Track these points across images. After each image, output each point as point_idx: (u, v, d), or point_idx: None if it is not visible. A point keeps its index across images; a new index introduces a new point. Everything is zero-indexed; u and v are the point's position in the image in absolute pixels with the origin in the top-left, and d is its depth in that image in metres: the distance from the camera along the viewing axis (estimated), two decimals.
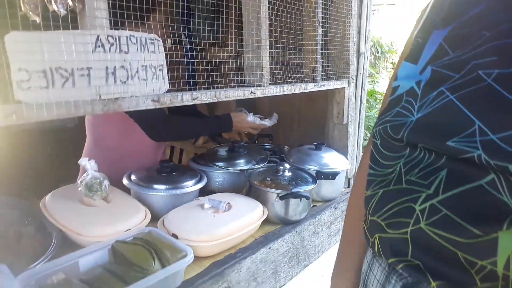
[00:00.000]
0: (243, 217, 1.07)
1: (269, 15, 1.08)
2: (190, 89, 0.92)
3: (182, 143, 2.18)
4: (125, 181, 1.22)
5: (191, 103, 0.89)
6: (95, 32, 0.70)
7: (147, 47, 0.80)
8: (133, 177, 1.23)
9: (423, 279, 0.50)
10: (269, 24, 1.08)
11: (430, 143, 0.50)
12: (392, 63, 5.54)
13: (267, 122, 1.49)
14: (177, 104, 0.86)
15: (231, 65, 1.28)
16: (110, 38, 0.73)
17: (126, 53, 0.76)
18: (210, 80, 0.98)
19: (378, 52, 5.23)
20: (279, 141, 1.87)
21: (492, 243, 0.44)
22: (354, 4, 1.45)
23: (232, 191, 1.37)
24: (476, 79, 0.47)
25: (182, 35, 1.69)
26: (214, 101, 0.95)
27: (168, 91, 0.86)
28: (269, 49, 1.11)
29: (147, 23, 1.22)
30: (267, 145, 1.80)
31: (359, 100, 1.60)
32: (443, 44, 0.54)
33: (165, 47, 0.86)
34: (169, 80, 0.86)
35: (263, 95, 1.09)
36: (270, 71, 1.13)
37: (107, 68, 0.72)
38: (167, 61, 0.88)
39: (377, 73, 5.05)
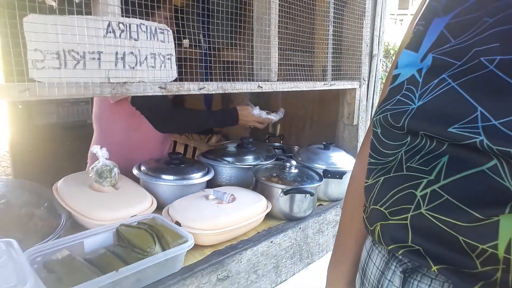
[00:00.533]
0: (246, 209, 1.08)
1: (280, 12, 1.10)
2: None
3: (195, 141, 2.22)
4: (135, 171, 1.25)
5: (198, 93, 0.92)
6: (107, 18, 0.74)
7: (157, 36, 0.84)
8: (142, 167, 1.26)
9: (424, 264, 0.50)
10: (280, 21, 1.10)
11: (431, 130, 0.49)
12: None
13: (273, 116, 1.50)
14: (184, 93, 0.89)
15: (246, 65, 1.31)
16: (121, 25, 0.76)
17: (136, 40, 0.79)
18: (224, 77, 1.00)
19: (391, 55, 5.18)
20: (291, 142, 1.88)
21: (493, 227, 0.44)
22: (368, 5, 1.46)
23: (239, 186, 1.38)
24: (478, 66, 0.47)
25: (201, 35, 1.74)
26: (221, 92, 0.98)
27: (175, 80, 0.89)
28: (279, 47, 1.13)
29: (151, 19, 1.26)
30: (277, 144, 1.81)
31: (370, 101, 1.60)
32: (444, 31, 0.54)
33: (181, 49, 0.88)
34: (177, 69, 0.90)
35: (270, 90, 1.11)
36: (279, 69, 1.14)
37: (117, 53, 0.76)
38: (184, 62, 0.91)
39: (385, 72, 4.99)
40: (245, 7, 1.34)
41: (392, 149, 0.56)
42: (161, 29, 0.85)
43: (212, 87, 0.95)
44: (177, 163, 1.27)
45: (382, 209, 0.57)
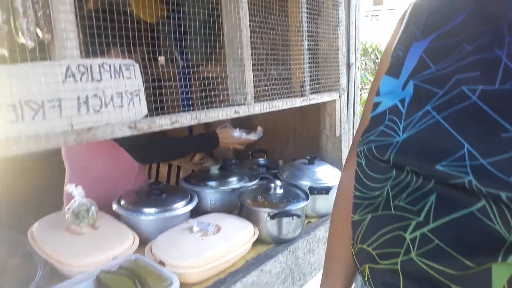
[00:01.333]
0: (232, 239, 1.04)
1: (252, 33, 1.07)
2: (185, 109, 0.91)
3: (179, 161, 2.17)
4: (114, 206, 1.20)
5: (171, 127, 0.88)
6: (65, 62, 0.70)
7: (122, 73, 0.79)
8: (122, 201, 1.21)
9: None
10: (252, 41, 1.07)
11: (418, 166, 0.48)
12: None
13: (253, 136, 1.48)
14: (156, 129, 0.85)
15: (225, 79, 1.28)
16: (81, 68, 0.72)
17: (99, 81, 0.74)
18: (205, 94, 0.96)
19: (377, 58, 5.21)
20: (275, 155, 1.85)
21: (485, 275, 0.42)
22: (341, 15, 1.44)
23: (224, 210, 1.34)
24: (461, 96, 0.46)
25: (175, 53, 1.70)
26: (196, 123, 0.94)
27: (152, 114, 0.85)
28: (255, 64, 1.09)
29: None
30: (261, 160, 1.78)
31: (351, 111, 1.58)
32: (424, 56, 0.53)
33: (157, 66, 0.84)
34: (157, 103, 0.85)
35: (247, 114, 1.07)
36: (256, 87, 1.11)
37: (78, 97, 0.71)
38: (159, 79, 0.87)
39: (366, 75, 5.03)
40: (219, 20, 1.31)
41: (377, 182, 0.55)
42: (126, 65, 0.80)
43: (186, 119, 0.91)
44: (158, 193, 1.23)
45: (369, 249, 0.55)
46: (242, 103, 1.07)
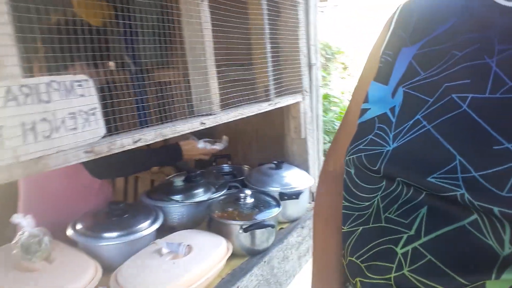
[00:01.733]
0: (206, 259, 0.98)
1: (214, 38, 1.00)
2: (140, 119, 0.83)
3: None
4: (70, 232, 1.08)
5: (133, 146, 0.80)
6: (4, 83, 0.59)
7: (74, 91, 0.70)
8: (78, 226, 1.10)
9: None
10: (215, 47, 1.00)
11: (409, 178, 0.47)
12: (342, 63, 5.68)
13: (218, 146, 1.42)
14: (117, 151, 0.76)
15: (182, 83, 1.20)
16: (24, 88, 0.61)
17: (47, 102, 0.64)
18: (162, 102, 0.88)
19: (328, 54, 5.34)
20: (239, 160, 1.79)
21: None
22: (300, 15, 1.41)
23: (192, 224, 1.27)
24: (451, 105, 0.45)
25: (126, 57, 1.58)
26: (160, 139, 0.86)
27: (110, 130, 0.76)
28: (218, 70, 1.03)
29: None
30: (225, 167, 1.72)
31: (315, 112, 1.57)
32: (413, 62, 0.52)
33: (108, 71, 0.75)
34: (113, 122, 0.76)
35: (214, 124, 1.01)
36: (221, 95, 1.05)
37: (23, 124, 0.61)
38: (112, 85, 0.78)
39: (329, 74, 5.16)
40: (172, 25, 1.22)
41: (367, 193, 0.53)
42: (78, 81, 0.71)
43: (150, 136, 0.83)
44: (119, 214, 1.13)
45: (358, 262, 0.53)
46: (208, 113, 1.00)
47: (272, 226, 1.14)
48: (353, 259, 0.54)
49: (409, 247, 0.46)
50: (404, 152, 0.48)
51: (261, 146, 1.74)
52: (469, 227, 0.42)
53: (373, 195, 0.52)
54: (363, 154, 0.52)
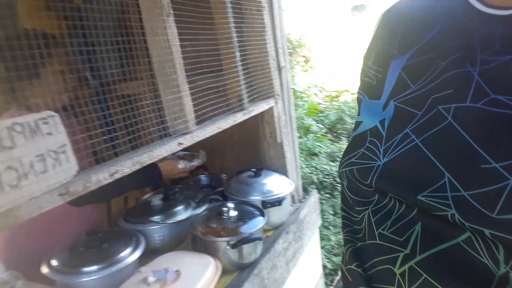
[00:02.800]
0: (196, 284, 0.95)
1: (182, 51, 0.95)
2: (108, 137, 0.77)
3: None
4: (45, 269, 1.01)
5: (111, 180, 0.75)
6: None
7: (40, 130, 0.64)
8: (54, 262, 1.02)
9: None
10: (184, 62, 0.96)
11: (400, 195, 0.46)
12: (304, 56, 5.73)
13: (197, 162, 1.38)
14: (94, 188, 0.71)
15: (148, 96, 1.14)
16: None
17: (11, 148, 0.58)
18: (127, 115, 0.83)
19: (289, 49, 5.36)
20: (215, 169, 1.75)
21: None
22: (266, 19, 1.39)
23: (175, 243, 1.23)
24: (438, 117, 0.45)
25: (86, 72, 1.49)
26: (139, 167, 0.81)
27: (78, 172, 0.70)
28: (190, 82, 0.99)
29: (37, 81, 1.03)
30: (203, 177, 1.67)
31: (288, 114, 1.56)
32: (403, 74, 0.51)
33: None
34: (86, 159, 0.70)
35: (192, 143, 0.97)
36: (195, 110, 1.01)
37: None
38: (75, 103, 0.72)
39: (292, 69, 5.18)
40: (133, 38, 1.16)
41: (359, 206, 0.53)
42: (43, 119, 0.65)
43: (127, 165, 0.78)
44: (97, 244, 1.06)
45: (359, 270, 0.53)
46: (185, 132, 0.96)
47: (260, 239, 1.12)
48: (353, 267, 0.54)
49: (406, 267, 0.46)
50: (394, 167, 0.47)
51: (237, 152, 1.71)
52: (464, 245, 0.41)
53: (364, 208, 0.52)
54: (355, 167, 0.52)
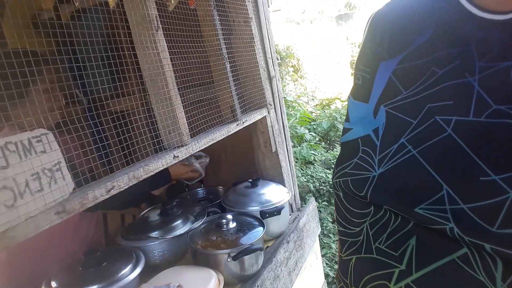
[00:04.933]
0: None
1: (172, 65, 0.96)
2: (103, 152, 0.76)
3: None
4: None
5: (108, 196, 0.74)
6: None
7: (34, 149, 0.63)
8: (54, 283, 1.00)
9: None
10: (176, 75, 0.96)
11: (396, 207, 0.45)
12: (293, 66, 5.79)
13: (204, 160, 1.43)
14: (90, 205, 0.70)
15: (141, 112, 1.14)
16: None
17: (4, 167, 0.58)
18: (121, 130, 0.82)
19: (278, 59, 5.43)
20: (210, 180, 1.75)
21: None
22: (254, 30, 1.41)
23: (175, 259, 1.22)
24: (436, 128, 0.44)
25: (76, 90, 1.48)
26: (135, 182, 0.81)
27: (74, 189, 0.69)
28: (183, 100, 0.99)
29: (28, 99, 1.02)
30: (199, 191, 1.66)
31: (281, 123, 1.57)
32: (393, 78, 0.50)
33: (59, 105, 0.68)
34: (80, 177, 0.70)
35: (187, 155, 0.97)
36: (189, 123, 1.01)
37: None
38: (67, 120, 0.72)
39: (282, 79, 5.23)
40: (123, 53, 1.17)
41: (357, 218, 0.52)
42: (36, 137, 0.64)
43: (124, 181, 0.78)
44: (96, 263, 1.04)
45: None
46: (179, 144, 0.96)
47: (261, 249, 1.11)
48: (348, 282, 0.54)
49: (402, 284, 0.45)
50: (390, 179, 0.46)
51: (231, 163, 1.71)
52: (460, 262, 0.41)
53: (362, 220, 0.51)
54: (349, 178, 0.51)
